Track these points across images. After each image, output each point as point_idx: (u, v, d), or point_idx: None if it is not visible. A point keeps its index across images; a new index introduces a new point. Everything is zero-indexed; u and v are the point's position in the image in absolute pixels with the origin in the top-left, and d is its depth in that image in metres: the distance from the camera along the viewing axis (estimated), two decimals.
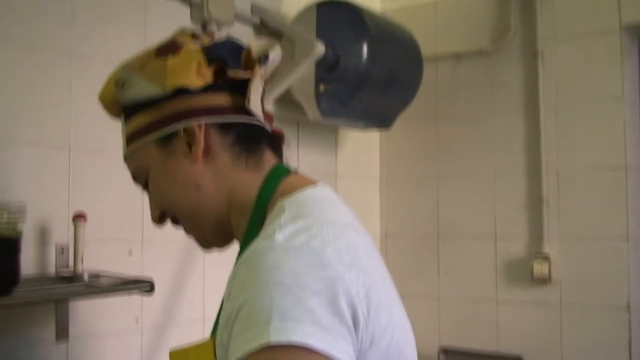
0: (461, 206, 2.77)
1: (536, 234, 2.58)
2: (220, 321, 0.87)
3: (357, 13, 2.21)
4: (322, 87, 2.23)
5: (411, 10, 2.88)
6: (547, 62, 2.58)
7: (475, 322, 2.70)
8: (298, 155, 2.50)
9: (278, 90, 2.19)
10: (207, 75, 1.00)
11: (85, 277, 1.59)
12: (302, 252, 0.82)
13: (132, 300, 1.86)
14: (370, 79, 2.22)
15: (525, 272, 2.58)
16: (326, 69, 2.22)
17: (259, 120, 1.04)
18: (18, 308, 1.59)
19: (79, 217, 1.62)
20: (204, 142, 1.00)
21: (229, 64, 1.01)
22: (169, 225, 1.11)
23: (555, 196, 2.55)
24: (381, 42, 2.25)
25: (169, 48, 1.02)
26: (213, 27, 2.07)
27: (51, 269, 1.68)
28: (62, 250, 1.69)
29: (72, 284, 1.55)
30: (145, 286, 1.59)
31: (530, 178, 2.62)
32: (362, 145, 2.90)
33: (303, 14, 2.30)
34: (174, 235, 1.18)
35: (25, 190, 1.63)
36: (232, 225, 1.05)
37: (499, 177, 2.69)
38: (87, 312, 1.76)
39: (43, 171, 1.69)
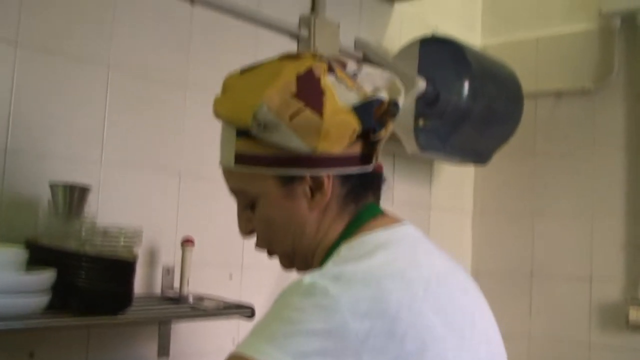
0: (556, 245, 2.72)
1: (633, 278, 2.51)
2: None
3: (460, 50, 2.22)
4: (421, 122, 2.24)
5: (512, 46, 2.87)
6: None
7: None
8: (393, 187, 2.52)
9: None
10: (353, 140, 1.00)
11: (190, 300, 1.65)
12: (315, 295, 0.86)
13: (230, 322, 1.91)
14: (470, 115, 2.22)
15: (620, 317, 2.51)
16: (426, 105, 2.24)
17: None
18: (127, 326, 1.68)
19: (187, 242, 1.69)
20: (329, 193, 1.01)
21: (376, 131, 1.01)
22: None
23: None
24: (483, 80, 2.25)
25: (313, 91, 0.98)
26: None
27: (157, 289, 1.75)
28: (167, 272, 1.76)
29: (179, 306, 1.62)
30: (247, 312, 1.64)
31: (629, 220, 2.55)
32: (456, 178, 2.90)
33: (406, 50, 2.33)
34: (271, 261, 1.22)
35: (136, 213, 1.70)
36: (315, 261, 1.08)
37: (597, 218, 2.63)
38: (187, 332, 1.82)
39: (154, 196, 1.77)
